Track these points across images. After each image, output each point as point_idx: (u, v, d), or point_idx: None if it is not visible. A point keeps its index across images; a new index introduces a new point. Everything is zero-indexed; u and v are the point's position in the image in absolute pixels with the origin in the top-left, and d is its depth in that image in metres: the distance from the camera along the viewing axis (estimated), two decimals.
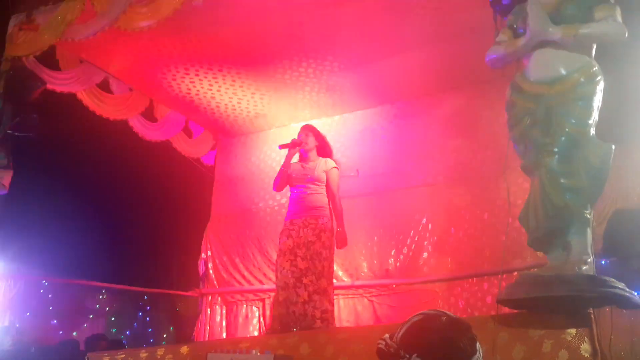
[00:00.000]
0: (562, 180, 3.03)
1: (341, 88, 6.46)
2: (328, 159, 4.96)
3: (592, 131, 3.10)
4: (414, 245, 6.25)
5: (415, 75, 6.18)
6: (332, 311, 4.63)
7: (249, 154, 7.57)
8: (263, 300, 6.81)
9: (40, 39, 5.31)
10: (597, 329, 2.82)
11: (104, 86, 6.30)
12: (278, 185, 4.99)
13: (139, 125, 6.76)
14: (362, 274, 6.42)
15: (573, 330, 2.84)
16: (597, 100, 3.11)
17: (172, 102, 6.88)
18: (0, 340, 5.85)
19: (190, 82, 6.37)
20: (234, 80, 6.33)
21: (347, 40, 5.56)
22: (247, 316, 6.92)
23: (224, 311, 7.10)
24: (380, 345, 1.50)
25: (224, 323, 7.06)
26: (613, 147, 3.05)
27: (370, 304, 6.33)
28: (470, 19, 5.17)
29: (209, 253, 7.29)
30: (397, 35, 5.47)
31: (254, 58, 5.90)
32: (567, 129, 3.06)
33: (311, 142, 4.97)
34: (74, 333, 7.92)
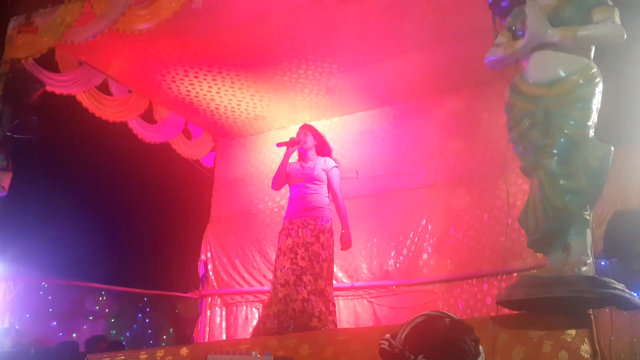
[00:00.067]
0: (561, 182, 3.03)
1: (340, 90, 6.47)
2: (327, 158, 4.94)
3: (591, 133, 3.10)
4: (413, 247, 6.26)
5: (415, 77, 6.19)
6: (334, 311, 4.61)
7: (248, 156, 7.58)
8: (263, 302, 6.80)
9: (39, 41, 5.31)
10: (596, 329, 2.82)
11: (103, 88, 6.30)
12: (276, 184, 4.96)
13: (138, 127, 6.76)
14: (362, 275, 6.43)
15: (573, 331, 2.84)
16: (596, 102, 3.12)
17: (172, 104, 6.89)
18: None
19: (190, 84, 6.38)
20: (233, 82, 6.34)
21: (346, 41, 5.57)
22: (246, 317, 6.92)
23: (223, 312, 7.10)
24: (383, 346, 1.49)
25: (223, 324, 7.06)
26: (612, 148, 3.06)
27: (370, 305, 6.33)
28: (469, 20, 5.18)
29: (209, 254, 7.29)
30: (396, 36, 5.48)
31: (253, 60, 5.90)
32: (566, 131, 3.07)
33: (310, 141, 4.95)
34: (74, 335, 7.92)
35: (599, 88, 3.14)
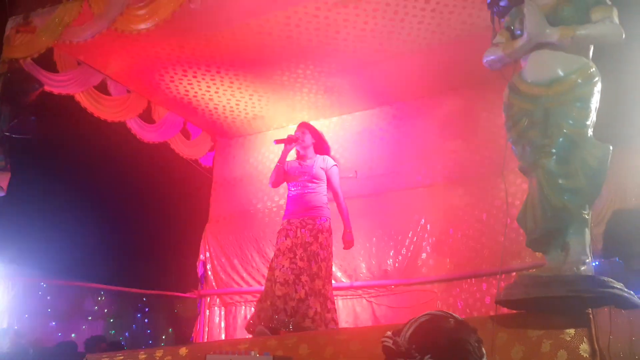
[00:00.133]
0: (560, 181, 3.03)
1: (339, 89, 6.47)
2: (326, 157, 4.93)
3: (590, 132, 3.10)
4: (412, 246, 6.26)
5: (413, 77, 6.20)
6: (333, 309, 4.60)
7: (247, 156, 7.57)
8: None
9: (37, 41, 5.30)
10: (595, 329, 2.82)
11: (102, 88, 6.29)
12: (274, 181, 4.93)
13: (136, 127, 6.75)
14: (361, 274, 6.43)
15: (572, 331, 2.84)
16: (595, 102, 3.12)
17: (170, 104, 6.88)
18: None
19: (188, 84, 6.37)
20: (231, 82, 6.33)
21: (345, 41, 5.57)
22: (245, 317, 6.90)
23: (222, 312, 7.10)
24: (387, 343, 1.48)
25: (222, 324, 7.06)
26: (611, 147, 3.06)
27: (369, 304, 6.34)
28: (468, 20, 5.20)
29: (208, 254, 7.29)
30: (394, 36, 5.47)
31: (252, 60, 5.90)
32: (565, 130, 3.07)
33: (308, 139, 4.93)
34: (73, 335, 7.93)
35: (598, 87, 3.14)
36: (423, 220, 6.28)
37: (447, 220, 6.14)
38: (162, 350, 4.09)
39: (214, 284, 7.17)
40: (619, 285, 2.90)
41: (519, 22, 3.37)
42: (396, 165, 6.61)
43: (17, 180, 5.58)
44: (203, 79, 6.26)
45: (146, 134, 6.87)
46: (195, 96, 6.64)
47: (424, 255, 6.20)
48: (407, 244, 6.29)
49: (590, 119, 3.10)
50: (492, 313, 3.27)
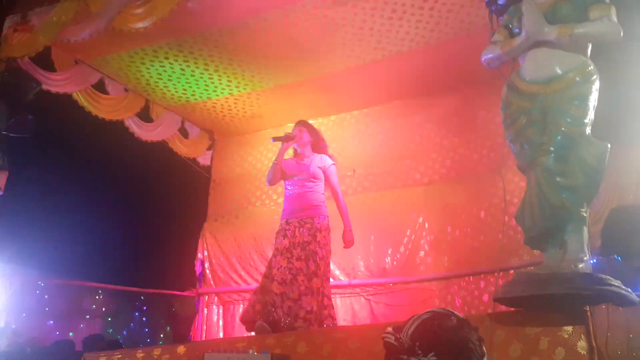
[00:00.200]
0: (558, 179, 3.04)
1: (337, 88, 6.46)
2: (324, 156, 4.92)
3: (588, 130, 3.11)
4: (410, 244, 6.27)
5: (411, 75, 6.20)
6: (330, 305, 4.62)
7: (245, 154, 7.57)
8: None
9: (35, 40, 5.29)
10: (593, 326, 2.83)
11: (100, 87, 6.28)
12: (271, 179, 4.92)
13: (134, 126, 6.74)
14: (359, 273, 6.43)
15: (570, 328, 2.85)
16: (593, 100, 3.13)
17: (168, 102, 6.87)
18: None
19: (187, 82, 6.37)
20: (229, 81, 6.33)
21: (343, 40, 5.56)
22: None
23: (220, 311, 7.10)
24: (388, 339, 1.47)
25: (220, 323, 7.05)
26: (609, 146, 3.07)
27: (367, 302, 6.34)
28: (466, 19, 5.20)
29: (206, 253, 7.28)
30: (393, 35, 5.48)
31: (250, 58, 5.89)
32: (563, 128, 3.07)
33: (305, 137, 4.92)
34: (71, 334, 7.92)
35: (596, 86, 3.15)
36: (421, 218, 6.29)
37: (445, 218, 6.15)
38: (160, 349, 4.09)
39: (212, 282, 7.17)
40: (616, 282, 2.91)
41: (517, 20, 3.38)
42: (394, 164, 6.62)
43: (15, 179, 5.57)
44: (201, 77, 6.26)
45: (144, 133, 6.86)
46: (193, 95, 6.63)
47: (422, 253, 6.21)
48: (405, 242, 6.29)
49: (588, 117, 3.10)
50: (490, 311, 3.28)
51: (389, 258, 6.32)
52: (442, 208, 6.17)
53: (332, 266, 5.08)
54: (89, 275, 7.93)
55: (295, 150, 4.97)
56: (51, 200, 8.04)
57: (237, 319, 6.83)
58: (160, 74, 6.20)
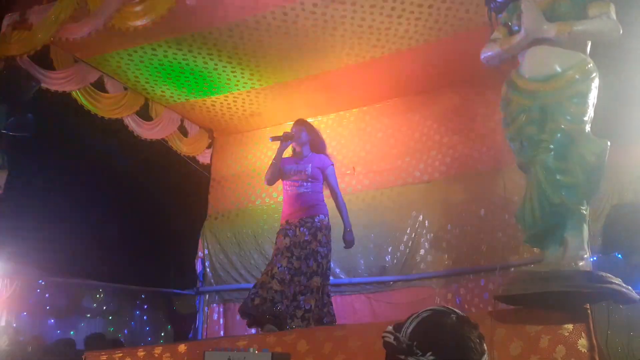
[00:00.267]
0: (558, 177, 3.04)
1: (337, 86, 6.45)
2: (322, 156, 4.92)
3: (588, 128, 3.11)
4: (410, 242, 6.26)
5: (411, 73, 6.19)
6: (329, 302, 4.63)
7: (245, 152, 7.56)
8: None
9: (34, 38, 5.28)
10: (594, 324, 2.83)
11: (99, 85, 6.27)
12: (269, 178, 4.91)
13: (134, 124, 6.73)
14: (359, 271, 6.43)
15: (570, 326, 2.85)
16: (593, 97, 3.13)
17: (167, 101, 6.87)
18: None
19: (186, 81, 6.36)
20: (229, 79, 6.32)
21: (343, 38, 5.55)
22: None
23: (221, 309, 7.10)
24: (387, 339, 1.45)
25: (221, 321, 7.06)
26: (608, 143, 3.07)
27: (368, 300, 6.34)
28: (465, 17, 5.19)
29: (206, 251, 7.28)
30: (392, 33, 5.47)
31: (249, 56, 5.88)
32: (562, 126, 3.07)
33: (304, 136, 4.91)
34: (72, 332, 7.92)
35: (595, 83, 3.14)
36: (421, 216, 6.29)
37: (445, 216, 6.15)
38: (160, 347, 4.10)
39: (212, 281, 7.17)
40: (617, 280, 2.91)
41: (516, 18, 3.37)
42: (394, 162, 6.61)
43: (15, 178, 5.57)
44: (200, 75, 6.25)
45: (143, 131, 6.85)
46: (192, 93, 6.63)
47: (422, 251, 6.21)
48: (405, 240, 6.29)
49: (587, 115, 3.10)
50: (490, 309, 3.29)
51: (389, 256, 6.33)
52: (443, 206, 6.17)
53: (332, 264, 5.07)
54: (89, 274, 7.93)
55: (293, 150, 4.97)
56: (51, 199, 8.03)
57: (238, 317, 6.85)
58: (160, 72, 6.20)
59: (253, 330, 4.98)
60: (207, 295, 7.17)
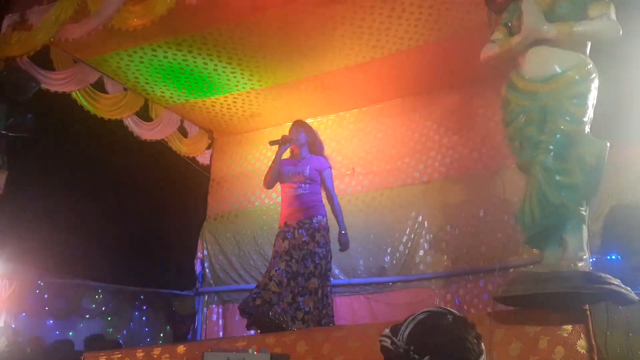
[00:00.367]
0: (557, 178, 3.04)
1: (336, 87, 6.45)
2: (321, 158, 4.93)
3: (587, 128, 3.11)
4: (409, 243, 6.26)
5: (411, 74, 6.19)
6: (328, 304, 4.62)
7: (244, 153, 7.56)
8: None
9: (34, 39, 5.28)
10: (593, 325, 2.83)
11: (99, 86, 6.27)
12: (268, 182, 4.92)
13: (134, 125, 6.73)
14: (359, 271, 6.43)
15: (569, 327, 2.85)
16: (592, 98, 3.13)
17: (167, 101, 6.87)
18: None
19: (186, 81, 6.36)
20: (228, 79, 6.32)
21: (342, 38, 5.55)
22: None
23: (220, 310, 7.10)
24: (384, 343, 1.44)
25: (220, 322, 7.06)
26: (608, 144, 3.07)
27: (367, 301, 6.34)
28: (465, 17, 5.19)
29: (205, 252, 7.28)
30: (392, 33, 5.47)
31: (249, 57, 5.88)
32: (562, 127, 3.07)
33: (302, 138, 4.93)
34: (70, 333, 7.90)
35: (595, 84, 3.15)
36: (421, 217, 6.29)
37: (444, 217, 6.15)
38: (160, 348, 4.09)
39: (211, 281, 7.17)
40: (616, 281, 2.91)
41: (516, 18, 3.37)
42: (394, 162, 6.62)
43: (14, 178, 5.57)
44: (200, 76, 6.25)
45: (143, 132, 6.85)
46: (192, 94, 6.63)
47: (421, 252, 6.20)
48: (404, 240, 6.29)
49: (587, 116, 3.10)
50: (489, 309, 3.28)
51: (388, 257, 6.32)
52: (442, 206, 6.17)
53: (331, 265, 5.07)
54: (88, 275, 7.92)
55: (292, 151, 4.98)
56: (51, 199, 8.03)
57: (237, 318, 6.84)
58: (159, 73, 6.19)
59: (252, 331, 4.97)
60: (207, 296, 7.17)
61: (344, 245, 4.80)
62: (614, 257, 4.48)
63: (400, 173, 6.57)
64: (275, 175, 4.88)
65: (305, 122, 5.11)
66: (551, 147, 3.07)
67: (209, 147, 7.83)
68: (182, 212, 8.04)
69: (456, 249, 6.01)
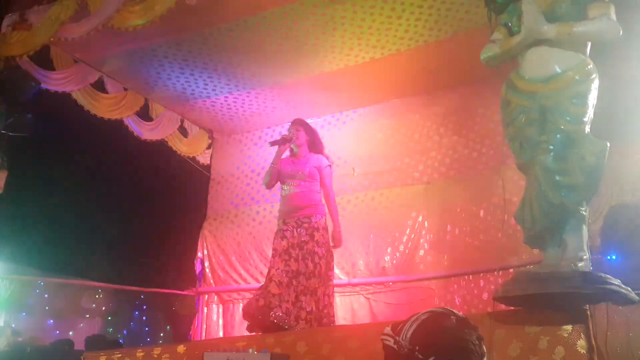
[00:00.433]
0: (557, 178, 3.04)
1: (336, 86, 6.45)
2: (320, 156, 4.92)
3: (587, 129, 3.10)
4: (410, 243, 6.26)
5: (411, 74, 6.18)
6: (329, 304, 4.62)
7: (244, 153, 7.56)
8: None
9: (33, 39, 5.28)
10: (593, 325, 2.83)
11: (99, 85, 6.27)
12: (268, 182, 4.93)
13: (134, 125, 6.73)
14: (359, 271, 6.43)
15: (569, 327, 2.85)
16: (592, 98, 3.13)
17: (167, 101, 6.86)
18: None
19: (186, 81, 6.35)
20: (229, 79, 6.32)
21: (343, 38, 5.55)
22: None
23: (220, 310, 7.10)
24: (387, 342, 1.43)
25: (220, 322, 7.05)
26: (608, 144, 3.06)
27: (367, 301, 6.34)
28: (465, 17, 5.19)
29: (205, 252, 7.28)
30: (392, 33, 5.47)
31: (249, 56, 5.88)
32: (562, 127, 3.07)
33: (302, 137, 4.92)
34: (70, 333, 7.92)
35: (595, 84, 3.14)
36: (421, 217, 6.29)
37: (444, 217, 6.15)
38: (160, 348, 4.09)
39: (211, 281, 7.16)
40: (616, 281, 2.91)
41: (516, 18, 3.37)
42: (394, 162, 6.61)
43: (14, 178, 5.57)
44: (200, 76, 6.25)
45: (143, 132, 6.85)
46: (192, 93, 6.62)
47: (421, 252, 6.20)
48: (404, 240, 6.29)
49: (587, 116, 3.10)
50: (489, 310, 3.28)
51: (388, 257, 6.32)
52: (442, 207, 6.17)
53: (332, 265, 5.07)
54: (88, 275, 7.93)
55: (291, 150, 4.97)
56: (51, 199, 8.03)
57: (237, 318, 6.85)
58: (159, 73, 6.19)
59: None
60: (207, 296, 7.16)
61: (337, 242, 4.80)
62: (614, 257, 4.47)
63: (400, 173, 6.56)
64: (275, 175, 4.88)
65: (304, 121, 5.10)
66: (551, 147, 3.07)
67: (209, 147, 7.83)
68: (182, 211, 8.04)
69: (456, 249, 6.01)
